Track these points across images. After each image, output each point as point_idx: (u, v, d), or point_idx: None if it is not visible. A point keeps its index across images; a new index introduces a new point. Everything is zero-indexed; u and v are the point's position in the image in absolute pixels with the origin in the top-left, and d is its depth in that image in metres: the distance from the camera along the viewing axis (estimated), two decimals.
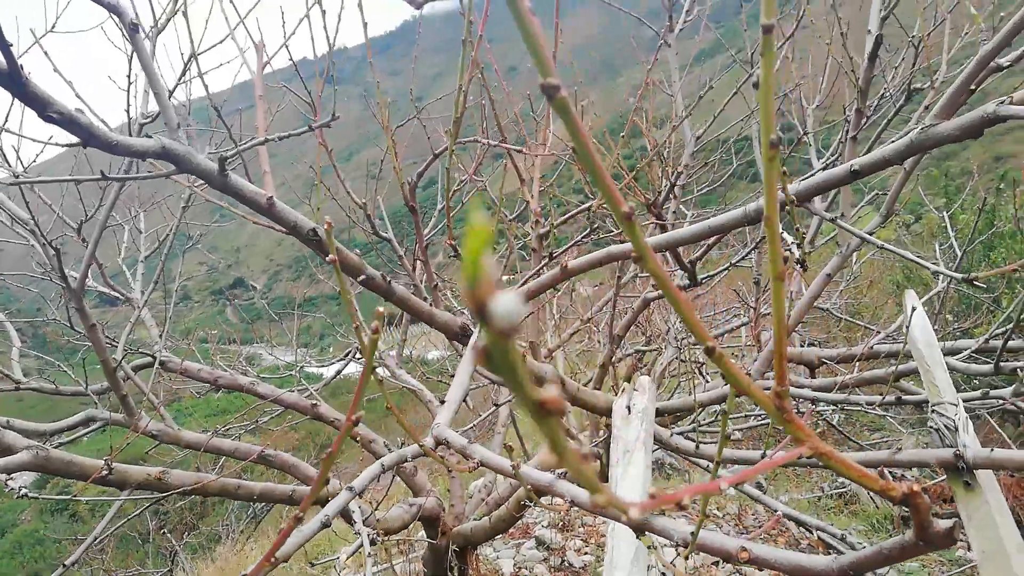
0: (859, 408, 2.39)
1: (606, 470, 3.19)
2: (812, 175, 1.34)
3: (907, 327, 2.16)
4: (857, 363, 3.07)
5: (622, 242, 1.68)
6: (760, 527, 6.41)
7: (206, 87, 2.16)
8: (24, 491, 1.98)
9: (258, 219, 1.67)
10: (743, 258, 3.33)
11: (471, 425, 4.96)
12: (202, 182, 1.59)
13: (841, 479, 7.33)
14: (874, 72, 2.42)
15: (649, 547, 0.90)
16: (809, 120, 3.70)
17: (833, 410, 3.28)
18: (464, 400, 1.37)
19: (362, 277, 1.66)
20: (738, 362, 5.04)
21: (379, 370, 4.88)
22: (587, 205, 3.12)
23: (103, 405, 3.60)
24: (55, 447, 3.35)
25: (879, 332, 3.31)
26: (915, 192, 4.93)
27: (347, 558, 1.28)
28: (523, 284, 1.74)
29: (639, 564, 2.18)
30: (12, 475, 2.29)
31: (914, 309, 1.95)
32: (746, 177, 6.41)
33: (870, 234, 1.55)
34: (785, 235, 1.16)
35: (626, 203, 0.42)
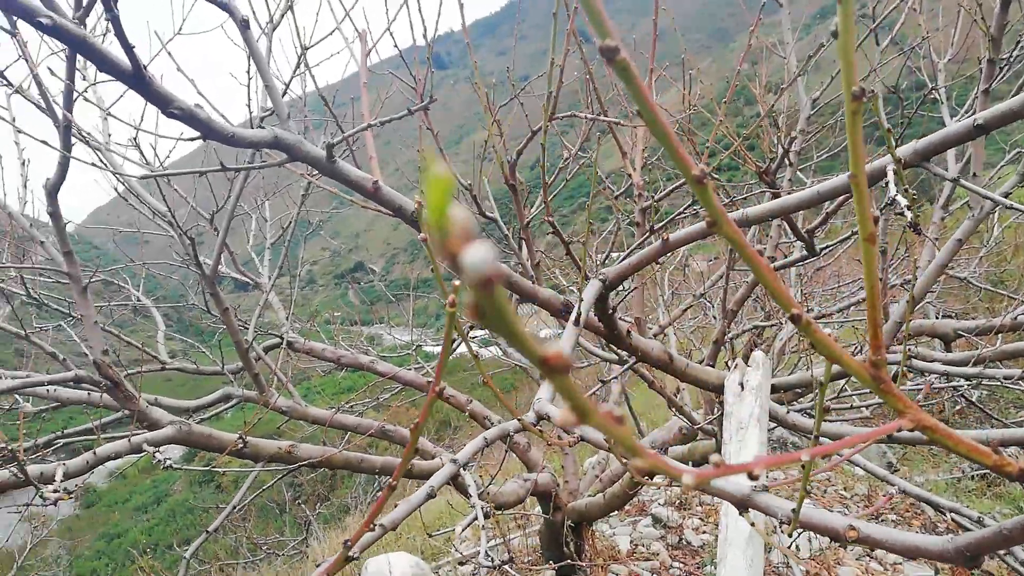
0: (997, 383, 2.21)
1: (720, 448, 3.11)
2: (934, 133, 1.23)
3: None
4: (999, 335, 2.83)
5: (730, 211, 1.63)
6: (893, 509, 6.08)
7: (314, 79, 2.26)
8: (169, 462, 2.16)
9: (367, 203, 1.73)
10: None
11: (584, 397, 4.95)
12: (316, 171, 1.67)
13: None
14: (1008, 19, 2.19)
15: (752, 524, 0.88)
16: (940, 75, 3.42)
17: (971, 386, 3.04)
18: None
19: None
20: (862, 336, 4.76)
21: (491, 348, 4.97)
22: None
23: (238, 383, 3.87)
24: (198, 422, 3.65)
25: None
26: None
27: (462, 530, 1.33)
28: (624, 259, 1.72)
29: (755, 544, 2.13)
30: (160, 448, 2.51)
31: None
32: (871, 140, 6.02)
33: (1005, 195, 1.42)
34: (899, 197, 1.08)
35: (697, 166, 0.41)
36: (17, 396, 3.45)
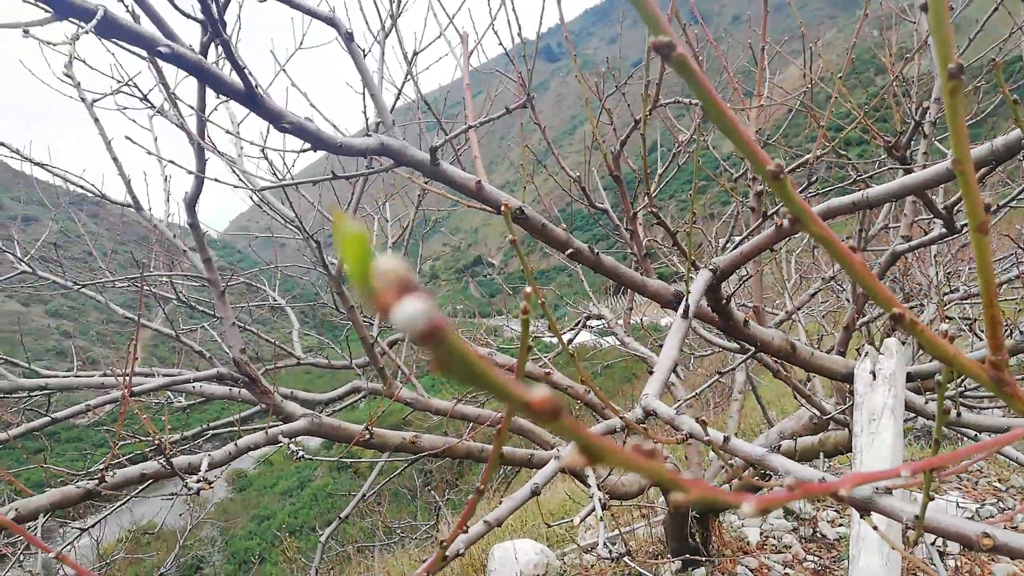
0: None
1: (851, 439, 2.95)
2: None
3: None
4: None
5: (847, 193, 1.53)
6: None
7: (416, 83, 2.31)
8: (301, 453, 2.30)
9: (471, 202, 1.76)
10: (1016, 196, 2.85)
11: (696, 393, 4.84)
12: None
13: None
14: None
15: (875, 528, 0.82)
16: None
17: None
18: (674, 370, 1.35)
19: (570, 250, 1.69)
20: (1012, 318, 4.34)
21: (608, 338, 4.93)
22: (804, 158, 2.86)
23: (366, 377, 4.05)
24: (330, 414, 3.85)
25: None
26: None
27: (581, 520, 1.33)
28: (736, 247, 1.66)
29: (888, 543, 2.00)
30: (296, 439, 2.67)
31: None
32: (1021, 102, 5.47)
33: None
34: None
35: (772, 161, 0.39)
36: (169, 393, 3.77)
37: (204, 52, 1.51)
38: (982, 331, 4.20)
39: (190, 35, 1.69)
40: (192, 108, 2.34)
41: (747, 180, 2.75)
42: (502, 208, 0.97)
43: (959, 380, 2.59)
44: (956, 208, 2.57)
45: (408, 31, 2.63)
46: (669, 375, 1.24)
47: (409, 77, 2.80)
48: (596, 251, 1.71)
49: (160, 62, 2.26)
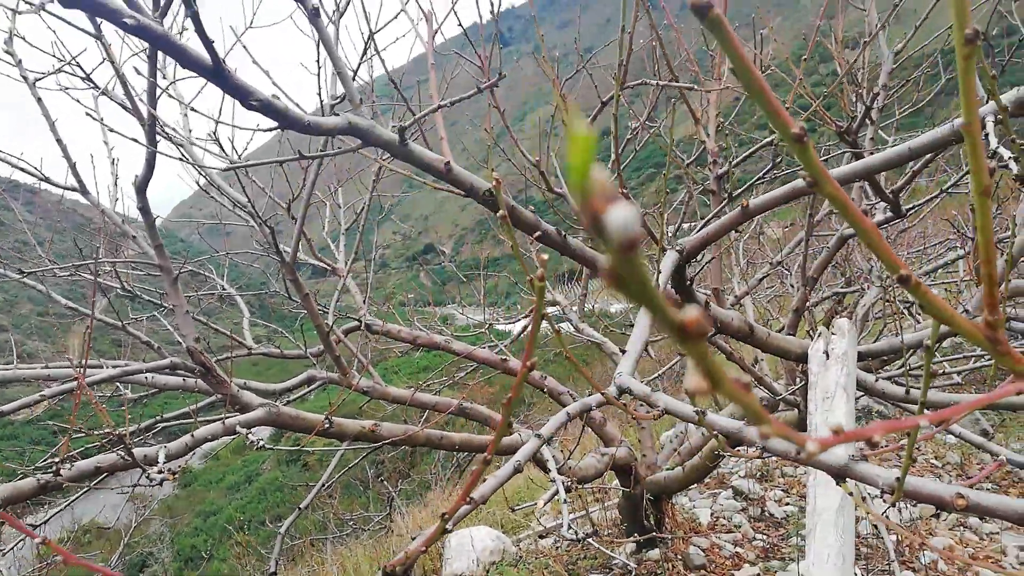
0: None
1: (804, 419, 3.04)
2: None
3: None
4: None
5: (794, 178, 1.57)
6: (988, 478, 5.82)
7: (383, 62, 2.28)
8: (261, 443, 2.26)
9: (439, 184, 1.75)
10: (956, 183, 2.98)
11: (657, 375, 4.92)
12: (388, 155, 1.69)
13: None
14: None
15: (850, 494, 0.85)
16: None
17: None
18: (646, 350, 1.37)
19: (538, 233, 1.69)
20: (954, 300, 4.54)
21: (562, 325, 4.97)
22: (769, 139, 2.93)
23: (321, 366, 4.00)
24: (285, 404, 3.79)
25: None
26: None
27: (544, 504, 1.35)
28: (701, 228, 1.68)
29: (846, 514, 2.07)
30: (251, 429, 2.62)
31: None
32: (957, 93, 5.68)
33: None
34: (1001, 148, 1.01)
35: (796, 124, 0.40)
36: (118, 384, 3.65)
37: (158, 21, 1.46)
38: (919, 313, 4.37)
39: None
40: (134, 93, 2.26)
41: (707, 164, 2.80)
42: (493, 184, 0.96)
43: (906, 359, 2.69)
44: (901, 192, 2.66)
45: (363, 12, 2.58)
46: (641, 354, 1.26)
47: (367, 56, 2.76)
48: (563, 233, 1.72)
49: (106, 40, 2.17)
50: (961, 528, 4.84)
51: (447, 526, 0.74)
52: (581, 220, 0.21)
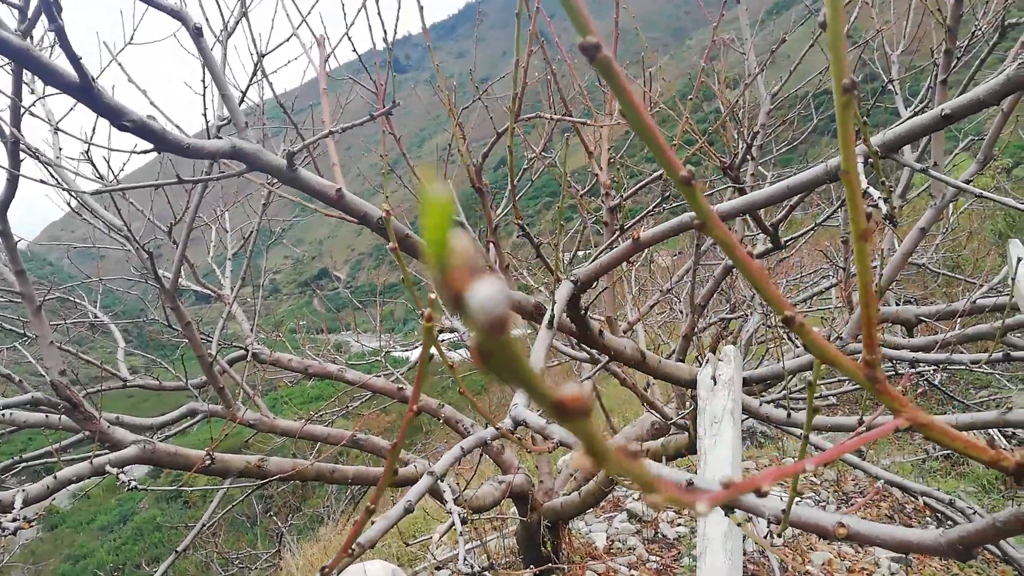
0: (963, 367, 2.25)
1: (694, 442, 3.13)
2: (899, 123, 1.24)
3: (1013, 279, 2.01)
4: (959, 319, 2.89)
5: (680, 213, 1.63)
6: (861, 493, 6.19)
7: (271, 85, 2.20)
8: (133, 484, 2.10)
9: (330, 211, 1.69)
10: (829, 217, 3.18)
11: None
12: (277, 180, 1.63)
13: None
14: (963, 9, 2.23)
15: (739, 524, 0.87)
16: (894, 68, 3.48)
17: (935, 370, 3.10)
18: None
19: None
20: (828, 326, 4.84)
21: (461, 351, 4.94)
22: (658, 173, 3.03)
23: (203, 398, 3.78)
24: (162, 440, 3.55)
25: (982, 286, 3.10)
26: (1015, 135, 4.57)
27: (440, 536, 1.30)
28: (595, 259, 1.71)
29: (733, 537, 2.14)
30: (124, 468, 2.43)
31: (1020, 260, 1.81)
32: (828, 132, 6.11)
33: (967, 182, 1.44)
34: (871, 189, 1.08)
35: (684, 167, 0.39)
36: None
37: (25, 36, 1.35)
38: (797, 339, 4.63)
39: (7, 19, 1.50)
40: (11, 98, 2.08)
41: (600, 195, 2.87)
42: (383, 215, 0.93)
43: (785, 383, 2.83)
44: (780, 225, 2.81)
45: (253, 33, 2.50)
46: None
47: (257, 79, 2.67)
48: None
49: None
50: (839, 543, 5.11)
51: None
52: (440, 295, 0.19)
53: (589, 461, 0.23)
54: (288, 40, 2.57)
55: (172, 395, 4.20)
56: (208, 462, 2.71)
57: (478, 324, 0.20)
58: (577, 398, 0.22)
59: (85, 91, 1.08)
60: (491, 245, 2.32)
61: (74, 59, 1.04)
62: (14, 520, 1.70)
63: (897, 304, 6.09)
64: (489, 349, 0.20)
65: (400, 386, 4.07)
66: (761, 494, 0.34)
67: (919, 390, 7.57)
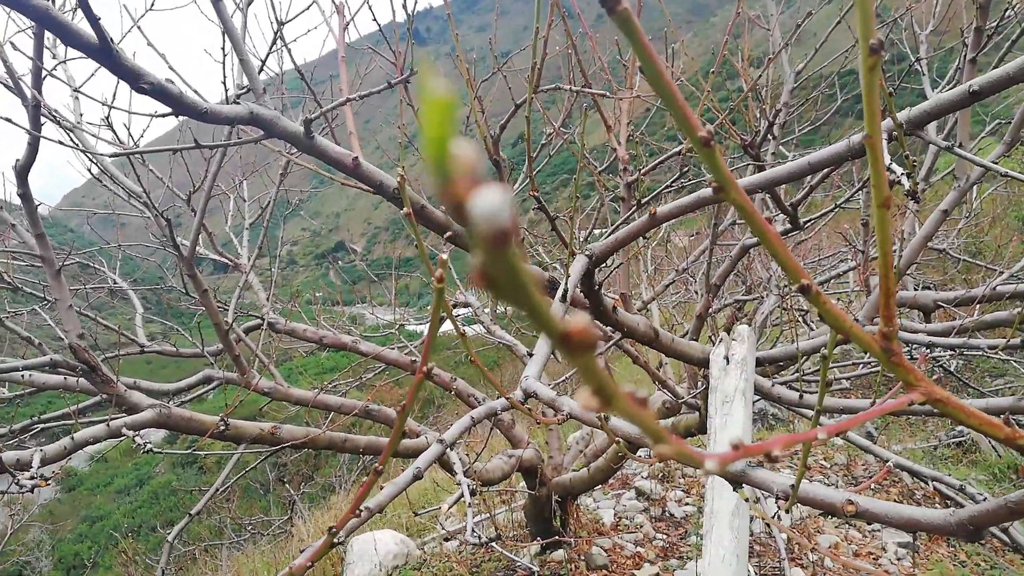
0: (979, 353, 2.22)
1: (705, 422, 3.13)
2: (927, 101, 1.21)
3: None
4: (978, 306, 2.85)
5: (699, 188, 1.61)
6: (871, 477, 6.17)
7: (291, 54, 2.19)
8: (149, 446, 2.13)
9: (349, 181, 1.69)
10: (850, 198, 3.14)
11: (565, 377, 4.97)
12: (296, 148, 1.62)
13: (959, 427, 6.93)
14: None
15: (747, 500, 0.87)
16: (922, 47, 3.41)
17: (950, 356, 3.08)
18: (553, 353, 1.36)
19: (448, 233, 1.66)
20: (845, 309, 4.80)
21: (475, 327, 4.95)
22: (677, 149, 3.00)
23: (219, 365, 3.82)
24: (179, 405, 3.60)
25: (1002, 272, 3.06)
26: None
27: (448, 507, 1.32)
28: (610, 234, 1.70)
29: (740, 515, 2.14)
30: (140, 432, 2.47)
31: None
32: (852, 113, 6.02)
33: (993, 163, 1.41)
34: (894, 165, 1.06)
35: (704, 127, 0.38)
36: None
37: None
38: (813, 321, 4.59)
39: None
40: (15, 72, 2.10)
41: (618, 171, 2.84)
42: (398, 181, 0.93)
43: (798, 365, 2.82)
44: (799, 205, 2.78)
45: (274, 1, 2.48)
46: (548, 357, 1.26)
47: (276, 47, 2.66)
48: None
49: None
50: (847, 526, 5.12)
51: (335, 539, 0.70)
52: (444, 206, 0.18)
53: (595, 401, 0.23)
54: (308, 8, 2.55)
55: (189, 362, 4.25)
56: (222, 428, 2.75)
57: (481, 236, 0.18)
58: (584, 330, 0.21)
59: (104, 53, 1.08)
60: None
61: (93, 20, 1.03)
62: (31, 478, 1.73)
63: (916, 289, 6.02)
64: (493, 266, 0.19)
65: (413, 359, 4.09)
66: (771, 458, 0.34)
67: (934, 376, 7.52)
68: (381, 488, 0.96)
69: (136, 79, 1.14)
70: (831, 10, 4.25)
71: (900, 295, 3.15)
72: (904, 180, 1.04)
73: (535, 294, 0.20)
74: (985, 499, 2.47)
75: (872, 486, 5.89)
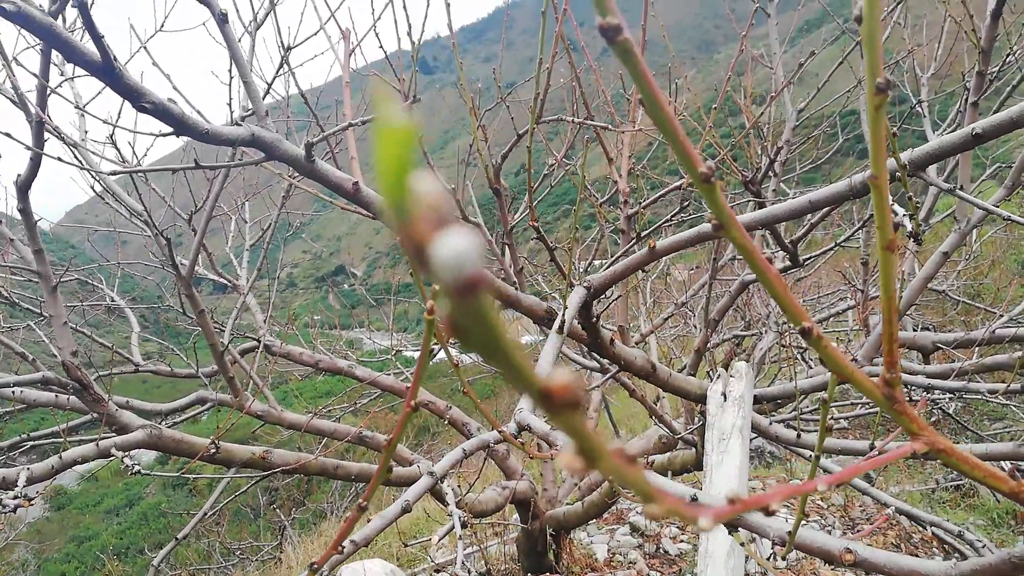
0: (979, 397, 2.20)
1: (701, 458, 3.10)
2: (929, 143, 1.21)
3: None
4: (977, 348, 2.84)
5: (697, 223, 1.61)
6: (868, 520, 6.10)
7: (295, 78, 2.21)
8: (138, 468, 2.10)
9: (347, 205, 1.69)
10: (850, 237, 3.14)
11: None
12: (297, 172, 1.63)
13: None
14: (997, 31, 2.19)
15: (742, 544, 0.85)
16: (924, 90, 3.44)
17: (950, 399, 3.05)
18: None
19: None
20: (844, 348, 4.78)
21: (471, 355, 4.93)
22: (678, 183, 3.01)
23: (213, 387, 3.79)
24: (171, 426, 3.57)
25: (1002, 315, 3.05)
26: None
27: (439, 539, 1.29)
28: (609, 266, 1.69)
29: (736, 555, 2.10)
30: (130, 452, 2.44)
31: None
32: (853, 153, 6.06)
33: (995, 206, 1.40)
34: (895, 207, 1.05)
35: (704, 163, 0.37)
36: None
37: (55, 16, 1.35)
38: (811, 359, 4.57)
39: None
40: (19, 89, 2.10)
41: (618, 203, 2.85)
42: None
43: (796, 403, 2.79)
44: (799, 243, 2.78)
45: (282, 26, 2.51)
46: None
47: (282, 71, 2.67)
48: None
49: None
50: (844, 569, 5.04)
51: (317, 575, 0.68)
52: (403, 248, 0.16)
53: (579, 462, 0.21)
54: (316, 34, 2.58)
55: (184, 383, 4.23)
56: (212, 451, 2.72)
57: (446, 285, 0.17)
58: (566, 387, 0.20)
59: (107, 71, 1.08)
60: (506, 247, 2.31)
61: (96, 37, 1.04)
62: (15, 498, 1.70)
63: (915, 330, 6.01)
64: (461, 317, 0.17)
65: (409, 386, 4.06)
66: (769, 513, 0.32)
67: (932, 419, 7.46)
68: (369, 520, 0.94)
69: (138, 98, 1.14)
70: (833, 51, 4.30)
71: (899, 335, 3.14)
72: (906, 222, 1.03)
73: (511, 348, 0.19)
74: (984, 546, 2.43)
75: (864, 525, 5.82)
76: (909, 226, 1.04)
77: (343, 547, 0.72)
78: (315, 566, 0.69)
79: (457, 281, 0.17)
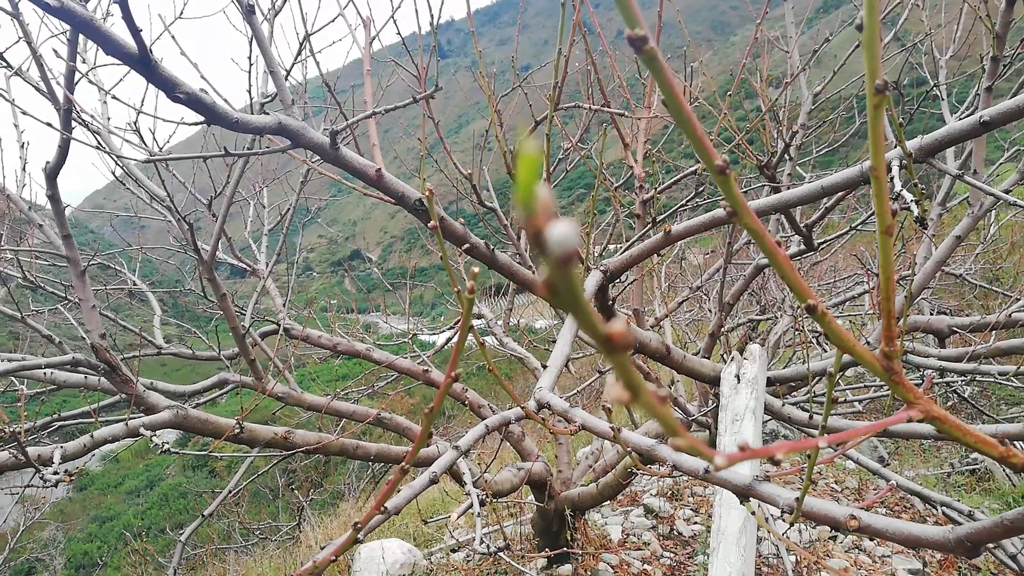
0: (991, 379, 2.22)
1: (714, 440, 3.14)
2: (939, 130, 1.23)
3: None
4: (993, 332, 2.85)
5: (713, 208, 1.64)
6: (881, 503, 6.12)
7: (318, 65, 2.24)
8: (166, 446, 2.17)
9: (369, 191, 1.73)
10: (866, 220, 3.15)
11: (576, 391, 4.99)
12: (318, 157, 1.67)
13: (973, 455, 6.86)
14: (1013, 16, 2.19)
15: (753, 513, 0.89)
16: (941, 72, 3.43)
17: (964, 383, 3.06)
18: (567, 366, 1.38)
19: (466, 245, 1.70)
20: (858, 332, 4.78)
21: (487, 338, 4.98)
22: (693, 168, 3.03)
23: (234, 369, 3.87)
24: (193, 407, 3.65)
25: (1019, 299, 3.05)
26: None
27: (457, 517, 1.35)
28: (625, 250, 1.72)
29: (748, 534, 2.15)
30: (156, 432, 2.51)
31: None
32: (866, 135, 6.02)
33: (1006, 192, 1.43)
34: (904, 192, 1.08)
35: (720, 156, 0.41)
36: (13, 379, 3.45)
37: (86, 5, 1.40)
38: (826, 343, 4.58)
39: None
40: (51, 76, 2.16)
41: (634, 188, 2.87)
42: (426, 195, 0.96)
43: (811, 386, 2.82)
44: (814, 227, 2.79)
45: (299, 13, 2.55)
46: (562, 369, 1.28)
47: (301, 58, 2.71)
48: (492, 247, 1.73)
49: (23, 19, 2.07)
50: (856, 551, 5.08)
51: (359, 535, 0.73)
52: (525, 234, 0.23)
53: (625, 393, 0.27)
54: (334, 20, 2.61)
55: (204, 365, 4.30)
56: (237, 431, 2.79)
57: (552, 257, 0.24)
58: (623, 333, 0.26)
59: (143, 62, 1.12)
60: (522, 232, 2.35)
61: (135, 31, 1.08)
62: (55, 473, 1.78)
63: (931, 314, 6.00)
64: (557, 280, 0.25)
65: (425, 368, 4.12)
66: (775, 462, 0.36)
67: (948, 403, 7.46)
68: (398, 491, 0.99)
69: (172, 88, 1.19)
70: (851, 31, 4.27)
71: (914, 319, 3.16)
72: (913, 207, 1.06)
73: (587, 304, 0.27)
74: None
75: (881, 510, 5.84)
76: (916, 211, 1.07)
77: (384, 508, 0.77)
78: (358, 525, 0.73)
79: (561, 254, 0.24)
